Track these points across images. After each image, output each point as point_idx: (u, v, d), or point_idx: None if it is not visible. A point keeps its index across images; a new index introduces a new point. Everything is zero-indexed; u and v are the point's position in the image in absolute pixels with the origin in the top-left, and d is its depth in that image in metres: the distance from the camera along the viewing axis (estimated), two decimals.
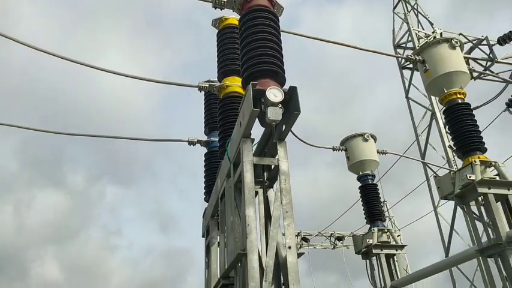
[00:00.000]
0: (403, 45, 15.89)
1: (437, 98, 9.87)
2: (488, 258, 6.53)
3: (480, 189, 6.48)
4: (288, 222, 3.95)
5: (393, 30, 16.52)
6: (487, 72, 13.87)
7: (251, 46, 4.56)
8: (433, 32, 15.61)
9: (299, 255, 3.99)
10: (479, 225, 6.78)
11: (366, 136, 10.82)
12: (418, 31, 15.60)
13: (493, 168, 6.87)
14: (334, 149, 10.97)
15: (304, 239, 22.92)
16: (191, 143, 8.08)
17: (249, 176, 4.12)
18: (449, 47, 7.79)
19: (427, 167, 11.58)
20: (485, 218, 6.66)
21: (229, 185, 4.96)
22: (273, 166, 4.56)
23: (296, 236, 22.74)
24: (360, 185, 10.74)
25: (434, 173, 10.88)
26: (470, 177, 6.58)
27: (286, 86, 4.28)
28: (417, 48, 14.88)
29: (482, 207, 6.76)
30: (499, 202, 6.77)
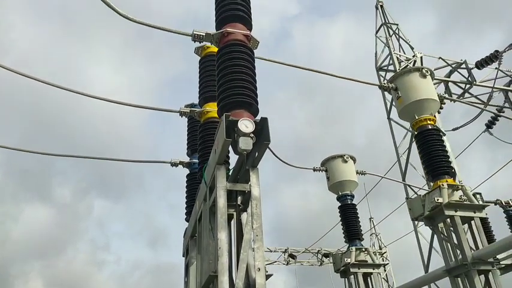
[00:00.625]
0: (385, 67, 16.51)
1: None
2: (455, 278, 6.84)
3: (447, 212, 6.82)
4: (257, 245, 4.21)
5: (375, 54, 17.13)
6: (466, 94, 14.48)
7: (226, 78, 4.88)
8: (413, 56, 16.26)
9: (267, 276, 4.24)
10: (449, 246, 7.09)
11: (345, 157, 11.19)
12: (400, 55, 16.23)
13: (460, 192, 7.22)
14: (314, 170, 11.31)
15: (291, 256, 23.03)
16: (173, 164, 8.35)
17: (222, 201, 4.39)
18: (420, 75, 8.22)
19: (408, 187, 11.95)
20: (454, 239, 6.99)
21: (205, 208, 5.22)
22: (246, 191, 4.82)
23: (283, 252, 22.94)
24: (340, 204, 11.06)
25: (415, 193, 11.24)
26: (438, 200, 6.93)
27: (267, 114, 4.59)
28: (398, 71, 15.49)
29: (451, 229, 7.09)
30: (466, 224, 7.11)
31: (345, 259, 10.10)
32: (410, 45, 16.59)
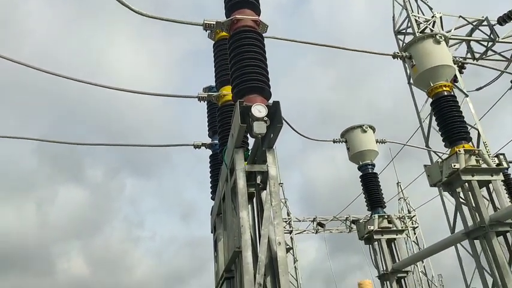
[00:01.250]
0: (403, 31, 16.25)
1: None
2: (474, 240, 7.04)
3: (464, 177, 6.97)
4: (277, 222, 4.53)
5: (393, 17, 16.81)
6: (490, 52, 14.18)
7: (238, 65, 5.10)
8: (432, 17, 15.93)
9: (288, 250, 4.57)
10: (466, 210, 7.27)
11: (364, 127, 11.30)
12: (418, 17, 15.91)
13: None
14: (334, 141, 11.48)
15: (320, 224, 23.45)
16: (196, 146, 8.69)
17: (241, 183, 4.71)
18: (433, 42, 8.20)
19: (432, 153, 11.99)
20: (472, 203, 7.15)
21: (227, 188, 5.56)
22: (264, 171, 5.12)
23: (312, 221, 23.39)
24: (361, 174, 11.26)
25: (440, 157, 11.28)
26: (454, 165, 7.06)
27: (279, 98, 4.82)
28: (416, 34, 15.25)
29: (469, 193, 7.24)
30: (484, 187, 7.24)
31: (368, 226, 10.38)
32: (428, 6, 16.21)
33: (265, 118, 4.62)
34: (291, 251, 22.29)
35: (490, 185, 7.32)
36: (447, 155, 10.78)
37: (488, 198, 7.37)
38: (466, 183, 7.13)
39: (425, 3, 16.55)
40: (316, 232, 23.23)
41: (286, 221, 23.24)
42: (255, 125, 4.52)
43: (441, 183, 7.53)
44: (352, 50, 8.17)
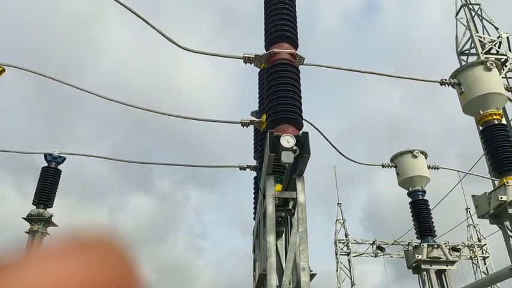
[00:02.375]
0: (467, 51, 15.76)
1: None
2: None
3: (511, 210, 6.69)
4: (302, 248, 4.73)
5: (456, 37, 16.41)
6: None
7: (273, 96, 5.44)
8: (498, 37, 15.36)
9: (312, 276, 4.75)
10: None
11: (415, 153, 11.10)
12: (483, 37, 15.38)
13: None
14: (383, 166, 11.38)
15: (379, 248, 22.78)
16: (242, 168, 9.08)
17: (270, 208, 4.98)
18: (484, 69, 7.99)
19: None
20: None
21: (261, 212, 5.84)
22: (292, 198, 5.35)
23: (371, 244, 22.80)
24: (410, 200, 11.02)
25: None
26: (501, 198, 6.81)
27: (308, 129, 5.08)
28: (480, 54, 14.74)
29: None
30: None
31: (417, 255, 10.11)
32: (494, 26, 15.64)
33: (295, 147, 4.88)
34: (349, 273, 21.82)
35: None
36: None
37: None
38: None
39: (491, 23, 16.03)
40: (376, 256, 22.57)
41: (344, 243, 22.83)
42: (283, 154, 4.79)
43: (489, 215, 7.26)
44: (395, 77, 8.19)
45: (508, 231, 7.10)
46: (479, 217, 7.69)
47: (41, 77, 7.57)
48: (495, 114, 7.76)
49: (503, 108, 11.42)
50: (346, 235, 23.13)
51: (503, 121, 11.22)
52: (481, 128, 7.97)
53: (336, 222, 23.54)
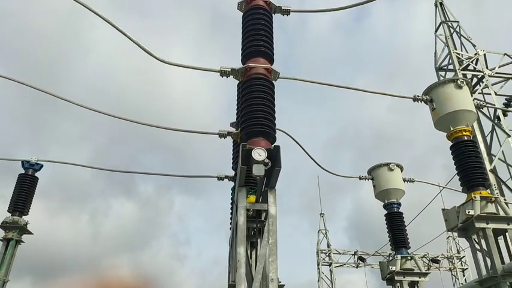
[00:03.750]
0: (445, 67, 16.18)
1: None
2: None
3: (478, 224, 6.92)
4: (272, 259, 4.84)
5: (435, 53, 16.82)
6: None
7: (246, 110, 5.56)
8: (475, 54, 15.81)
9: (280, 287, 4.84)
10: (481, 257, 7.16)
11: (391, 166, 11.35)
12: (461, 54, 15.82)
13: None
14: (360, 178, 11.60)
15: (361, 259, 22.99)
16: (220, 178, 9.17)
17: (241, 219, 5.07)
18: (455, 86, 8.28)
19: None
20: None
21: (234, 223, 5.93)
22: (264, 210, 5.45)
23: (352, 255, 22.97)
24: (386, 212, 11.22)
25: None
26: (469, 212, 7.04)
27: (281, 142, 5.21)
28: (458, 70, 15.14)
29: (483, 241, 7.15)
30: (501, 236, 7.13)
31: (390, 267, 10.29)
32: (472, 43, 16.10)
33: (266, 160, 5.00)
34: (331, 284, 21.91)
35: (507, 234, 7.17)
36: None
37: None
38: (481, 231, 7.05)
39: (468, 40, 16.48)
40: (357, 266, 22.75)
41: (326, 253, 22.97)
42: (254, 167, 4.91)
43: (457, 228, 7.48)
44: (370, 92, 8.42)
45: (476, 244, 7.32)
46: (448, 230, 7.92)
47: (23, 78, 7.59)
48: (465, 130, 8.03)
49: (479, 124, 11.78)
50: (328, 245, 23.29)
51: (479, 136, 11.55)
52: (451, 143, 8.23)
53: (318, 232, 23.70)
